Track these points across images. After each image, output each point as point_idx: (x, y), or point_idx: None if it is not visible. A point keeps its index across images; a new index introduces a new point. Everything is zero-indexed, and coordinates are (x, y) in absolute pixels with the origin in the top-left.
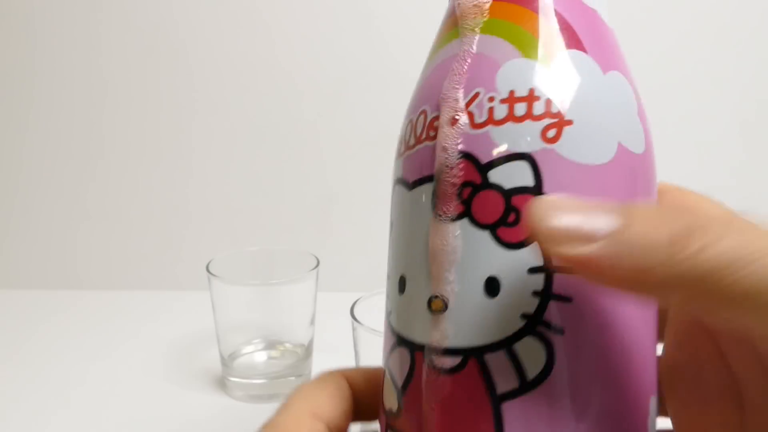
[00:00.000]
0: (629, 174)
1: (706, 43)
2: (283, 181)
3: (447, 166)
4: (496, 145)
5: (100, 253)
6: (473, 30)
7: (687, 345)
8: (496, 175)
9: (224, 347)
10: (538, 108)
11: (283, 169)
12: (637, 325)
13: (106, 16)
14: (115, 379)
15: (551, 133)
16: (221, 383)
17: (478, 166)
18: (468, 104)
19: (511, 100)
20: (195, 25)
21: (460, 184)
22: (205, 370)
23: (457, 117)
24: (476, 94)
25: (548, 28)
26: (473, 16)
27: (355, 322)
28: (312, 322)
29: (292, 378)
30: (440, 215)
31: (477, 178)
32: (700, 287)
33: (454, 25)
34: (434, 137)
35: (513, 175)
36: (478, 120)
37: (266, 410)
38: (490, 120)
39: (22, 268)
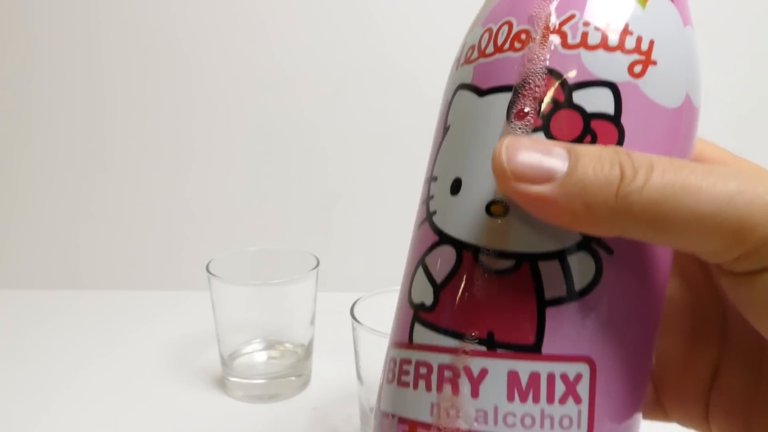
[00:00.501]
0: (688, 124)
1: (704, 42)
2: (283, 181)
3: (532, 79)
4: (585, 69)
5: (101, 253)
6: None
7: (688, 280)
8: (579, 97)
9: (224, 347)
10: (630, 43)
11: (284, 169)
12: (665, 255)
13: (109, 18)
14: (115, 379)
15: (637, 68)
16: (221, 383)
17: (563, 85)
18: (562, 24)
19: (605, 29)
20: (196, 26)
21: (542, 98)
22: (205, 370)
23: (549, 33)
24: (571, 16)
25: None
26: None
27: (355, 322)
28: (312, 322)
29: (293, 378)
30: (516, 125)
31: (560, 97)
32: (640, 220)
33: None
34: (519, 49)
35: (595, 100)
36: (571, 41)
37: (266, 410)
38: (583, 43)
39: (23, 268)
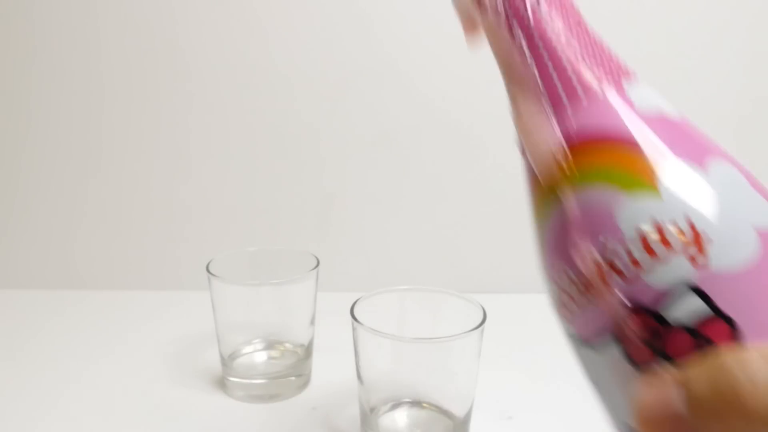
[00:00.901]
0: None
1: (702, 42)
2: (283, 181)
3: (623, 323)
4: (656, 288)
5: (100, 253)
6: (571, 188)
7: None
8: (673, 315)
9: (224, 347)
10: (672, 239)
11: (283, 169)
12: None
13: (107, 17)
14: (115, 379)
15: (699, 258)
16: (221, 383)
17: (651, 314)
18: (606, 259)
19: (642, 242)
20: (195, 27)
21: (644, 336)
22: (205, 370)
23: (604, 274)
24: (606, 246)
25: (637, 155)
26: (559, 176)
27: (355, 322)
28: (312, 322)
29: (292, 378)
30: (639, 367)
31: (655, 324)
32: None
33: (547, 187)
34: (594, 298)
35: (688, 310)
36: (626, 271)
37: (266, 410)
38: (637, 266)
39: (22, 268)
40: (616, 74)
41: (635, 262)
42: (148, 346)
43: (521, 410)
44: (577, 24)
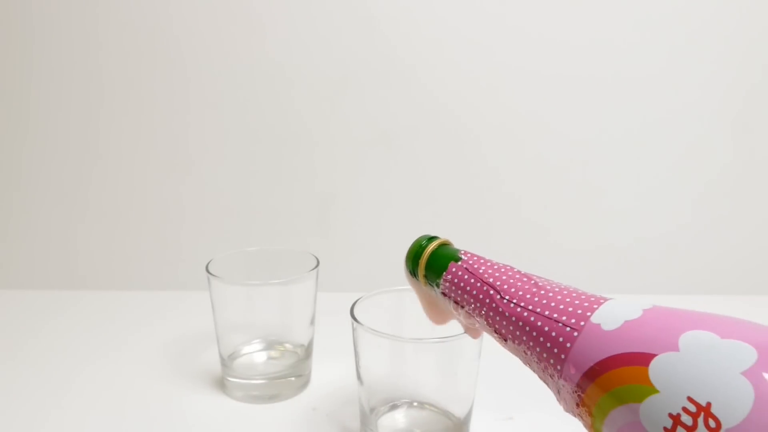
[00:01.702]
0: None
1: (703, 43)
2: (283, 181)
3: None
4: None
5: (100, 254)
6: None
7: None
8: None
9: (224, 347)
10: (688, 420)
11: (283, 169)
12: None
13: (106, 17)
14: (115, 379)
15: (714, 423)
16: (221, 383)
17: None
18: None
19: None
20: (194, 26)
21: None
22: (205, 370)
23: None
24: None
25: (624, 369)
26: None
27: (355, 322)
28: (312, 322)
29: (292, 378)
30: None
31: None
32: None
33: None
34: None
35: None
36: None
37: (266, 410)
38: None
39: (22, 268)
40: (581, 308)
41: None
42: (148, 346)
43: (521, 410)
44: (534, 285)
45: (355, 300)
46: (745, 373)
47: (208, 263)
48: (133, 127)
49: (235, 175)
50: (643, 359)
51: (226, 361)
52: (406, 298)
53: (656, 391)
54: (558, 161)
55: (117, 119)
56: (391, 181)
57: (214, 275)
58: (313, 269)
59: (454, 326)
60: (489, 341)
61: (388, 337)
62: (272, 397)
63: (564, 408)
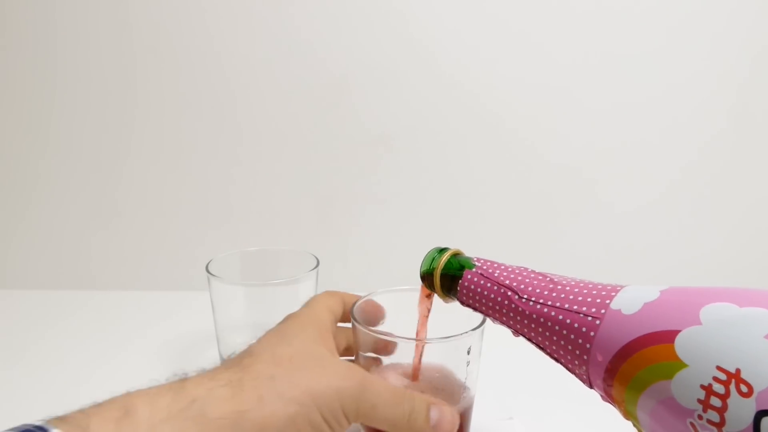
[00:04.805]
0: None
1: (704, 42)
2: (283, 181)
3: None
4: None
5: (100, 254)
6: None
7: None
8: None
9: (224, 347)
10: (720, 389)
11: (283, 169)
12: None
13: (105, 17)
14: (115, 379)
15: (746, 389)
16: None
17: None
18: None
19: (706, 407)
20: (196, 27)
21: None
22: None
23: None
24: (694, 426)
25: (652, 348)
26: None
27: (355, 322)
28: None
29: None
30: None
31: None
32: None
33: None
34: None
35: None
36: None
37: None
38: (720, 425)
39: (22, 268)
40: (599, 297)
41: (716, 424)
42: (148, 346)
43: (521, 410)
44: (550, 282)
45: (354, 300)
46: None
47: (208, 263)
48: (133, 127)
49: (235, 175)
50: (667, 336)
51: None
52: (406, 299)
53: (685, 366)
54: (558, 163)
55: (117, 120)
56: (391, 181)
57: (214, 275)
58: (313, 269)
59: (455, 327)
60: (488, 343)
61: (388, 337)
62: None
63: (602, 398)
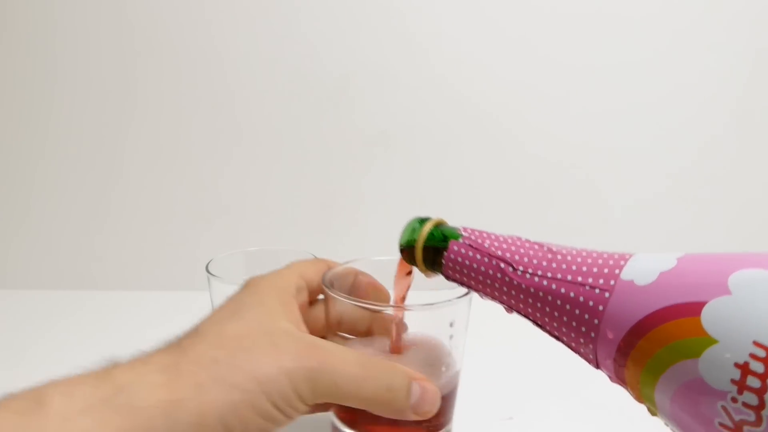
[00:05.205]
0: None
1: (704, 40)
2: (283, 181)
3: None
4: None
5: (100, 254)
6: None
7: None
8: None
9: None
10: (758, 366)
11: (284, 169)
12: None
13: (106, 17)
14: None
15: None
16: None
17: None
18: (734, 423)
19: (741, 389)
20: (196, 27)
21: None
22: None
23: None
24: (726, 412)
25: (673, 323)
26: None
27: (325, 289)
28: None
29: None
30: None
31: None
32: None
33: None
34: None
35: None
36: (753, 420)
37: None
38: (758, 409)
39: (22, 268)
40: (606, 267)
41: (755, 407)
42: (148, 346)
43: (521, 410)
44: (549, 251)
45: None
46: None
47: (208, 263)
48: (134, 127)
49: (235, 175)
50: (692, 309)
51: None
52: (386, 269)
53: (714, 341)
54: (558, 163)
55: (118, 120)
56: (391, 181)
57: (214, 275)
58: None
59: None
60: (489, 343)
61: (367, 305)
62: None
63: (610, 379)
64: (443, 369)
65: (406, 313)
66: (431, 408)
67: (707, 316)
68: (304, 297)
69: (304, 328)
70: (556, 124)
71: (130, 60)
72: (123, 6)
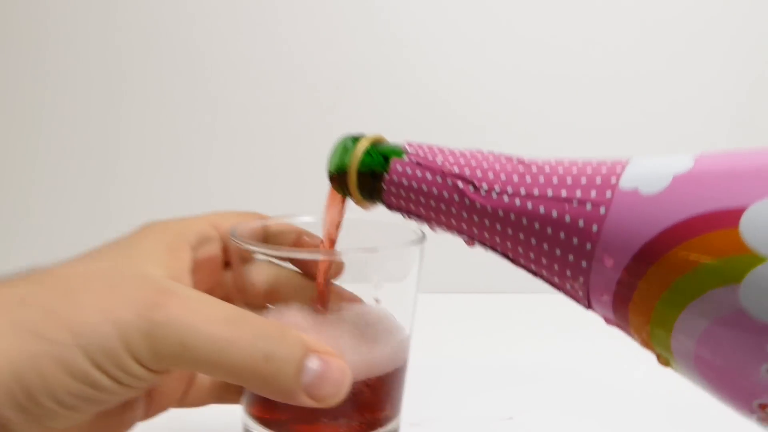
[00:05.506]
0: None
1: (704, 40)
2: (283, 180)
3: None
4: None
5: None
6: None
7: None
8: None
9: None
10: None
11: (284, 169)
12: None
13: (109, 16)
14: None
15: None
16: None
17: None
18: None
19: None
20: (197, 24)
21: None
22: None
23: None
24: None
25: (699, 239)
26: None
27: (232, 239)
28: None
29: None
30: None
31: None
32: None
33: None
34: None
35: None
36: None
37: None
38: None
39: (21, 269)
40: (599, 176)
41: None
42: None
43: (521, 410)
44: (520, 164)
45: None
46: None
47: None
48: (133, 126)
49: (235, 175)
50: (726, 218)
51: None
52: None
53: (762, 260)
54: None
55: (117, 120)
56: None
57: None
58: None
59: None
60: (488, 343)
61: (277, 251)
62: None
63: (606, 321)
64: (383, 338)
65: (336, 261)
66: (335, 392)
67: (748, 226)
68: (213, 250)
69: (188, 281)
70: (558, 124)
71: (132, 60)
72: (124, 6)
